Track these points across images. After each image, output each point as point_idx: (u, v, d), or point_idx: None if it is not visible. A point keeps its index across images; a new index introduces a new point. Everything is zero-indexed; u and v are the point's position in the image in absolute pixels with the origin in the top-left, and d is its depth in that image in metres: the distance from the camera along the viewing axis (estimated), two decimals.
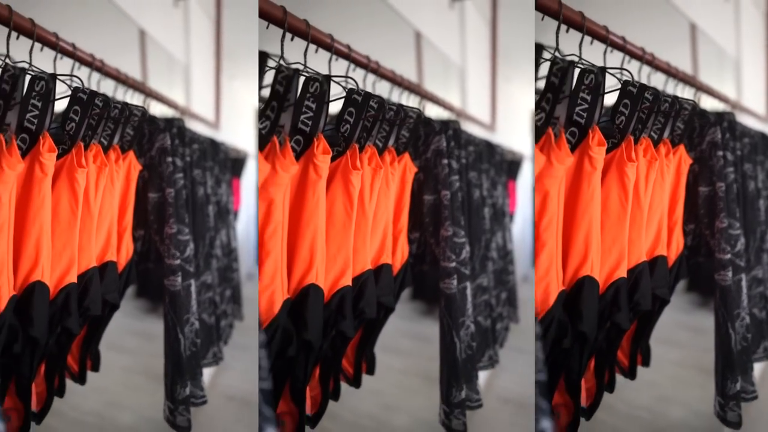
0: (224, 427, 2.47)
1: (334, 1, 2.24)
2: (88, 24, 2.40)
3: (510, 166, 3.03)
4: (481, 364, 1.89)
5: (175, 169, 1.56)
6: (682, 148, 1.47)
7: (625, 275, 1.31)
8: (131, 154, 1.43)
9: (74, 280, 1.20)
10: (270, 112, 1.17)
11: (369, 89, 1.49)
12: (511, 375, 2.61)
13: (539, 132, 1.24)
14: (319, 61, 1.34)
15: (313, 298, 1.18)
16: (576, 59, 1.25)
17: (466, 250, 1.67)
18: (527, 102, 3.98)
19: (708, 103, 2.02)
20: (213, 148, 2.11)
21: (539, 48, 1.16)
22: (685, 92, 1.77)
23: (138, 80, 2.14)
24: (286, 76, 1.13)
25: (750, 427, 1.96)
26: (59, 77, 1.14)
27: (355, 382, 1.50)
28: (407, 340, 2.17)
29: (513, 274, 2.58)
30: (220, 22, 3.21)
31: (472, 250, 1.80)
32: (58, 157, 1.15)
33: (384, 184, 1.37)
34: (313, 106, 1.18)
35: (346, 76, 1.31)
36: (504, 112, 3.44)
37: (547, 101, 1.25)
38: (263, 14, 1.19)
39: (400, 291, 1.54)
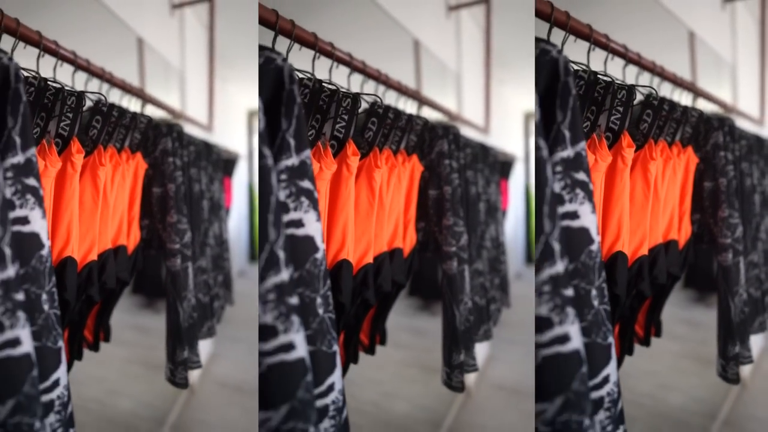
0: (218, 410, 2.81)
1: (339, 11, 2.49)
2: (90, 31, 2.61)
3: (503, 166, 3.29)
4: (477, 336, 2.22)
5: (175, 168, 1.88)
6: (690, 149, 1.80)
7: (647, 253, 1.61)
8: (139, 155, 1.76)
9: (95, 258, 1.53)
10: (315, 122, 1.43)
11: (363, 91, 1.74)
12: (504, 364, 2.94)
13: (587, 136, 1.50)
14: (320, 66, 1.55)
15: (345, 270, 1.44)
16: (604, 76, 1.53)
17: (465, 238, 2.01)
18: (520, 106, 4.23)
19: (704, 106, 2.25)
20: (207, 149, 2.43)
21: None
22: (683, 97, 2.04)
23: (136, 86, 2.38)
24: (328, 95, 1.43)
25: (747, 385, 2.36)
26: (87, 94, 1.47)
27: (370, 350, 1.80)
28: (405, 334, 2.34)
29: (505, 264, 2.88)
30: (214, 29, 3.43)
31: (469, 239, 2.13)
32: (84, 157, 1.48)
33: (397, 181, 1.70)
34: (346, 117, 1.47)
35: (373, 94, 1.62)
36: (497, 115, 3.71)
37: (591, 112, 1.52)
38: (267, 23, 1.33)
39: (409, 271, 1.86)
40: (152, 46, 2.92)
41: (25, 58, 1.44)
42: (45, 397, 0.90)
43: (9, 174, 0.88)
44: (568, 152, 1.06)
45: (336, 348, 1.03)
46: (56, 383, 0.94)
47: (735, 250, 1.95)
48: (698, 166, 1.87)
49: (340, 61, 1.53)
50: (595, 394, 0.99)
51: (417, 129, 1.80)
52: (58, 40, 1.58)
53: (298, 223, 1.00)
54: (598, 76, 1.50)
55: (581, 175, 1.06)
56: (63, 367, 0.96)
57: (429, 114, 2.47)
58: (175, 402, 2.72)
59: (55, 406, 0.92)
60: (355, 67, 1.62)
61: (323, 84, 1.38)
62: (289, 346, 0.89)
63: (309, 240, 0.99)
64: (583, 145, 1.09)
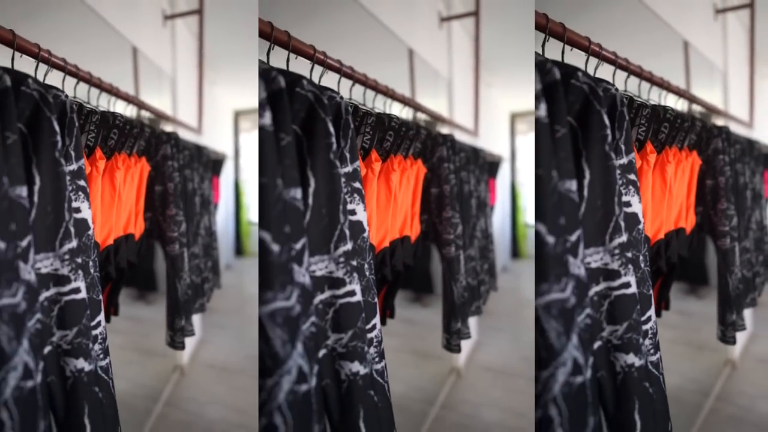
0: (206, 388, 3.32)
1: (338, 21, 2.83)
2: (88, 41, 2.90)
3: (491, 166, 3.78)
4: (470, 311, 2.84)
5: (173, 170, 2.41)
6: (695, 153, 2.33)
7: (663, 237, 2.06)
8: (143, 159, 2.28)
9: (112, 242, 2.04)
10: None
11: (362, 99, 2.12)
12: (490, 349, 3.56)
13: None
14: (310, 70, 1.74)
15: (370, 251, 1.81)
16: (638, 98, 1.95)
17: (460, 228, 2.61)
18: (506, 107, 4.79)
19: (695, 107, 2.78)
20: (198, 152, 2.95)
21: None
22: (678, 103, 2.50)
23: (131, 93, 2.75)
24: (362, 116, 1.89)
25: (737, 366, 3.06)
26: (113, 113, 1.99)
27: (382, 322, 2.21)
28: (399, 323, 2.60)
29: (492, 252, 3.46)
30: (203, 39, 3.79)
31: (463, 229, 2.73)
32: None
33: (407, 181, 2.23)
34: (370, 132, 1.95)
35: (393, 115, 2.13)
36: (485, 116, 4.10)
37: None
38: (265, 35, 1.49)
39: (415, 255, 2.43)
40: (146, 55, 3.30)
41: (26, 65, 1.62)
42: (92, 332, 1.40)
43: (68, 178, 1.38)
44: (623, 160, 1.41)
45: (377, 300, 1.47)
46: (99, 323, 1.44)
47: (732, 236, 2.54)
48: (701, 167, 2.44)
49: (341, 72, 1.81)
50: (642, 327, 1.42)
51: (421, 138, 2.40)
52: (59, 48, 1.85)
53: (353, 212, 1.43)
54: (634, 99, 1.97)
55: (632, 176, 1.45)
56: (102, 313, 1.46)
57: (420, 116, 2.99)
58: (168, 381, 3.20)
59: (98, 339, 1.43)
60: (357, 79, 2.03)
61: (357, 106, 1.87)
62: (353, 293, 1.35)
63: (360, 223, 1.43)
64: (632, 155, 1.44)
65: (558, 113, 1.20)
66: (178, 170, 2.46)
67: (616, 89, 1.38)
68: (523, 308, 4.33)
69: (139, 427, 3.01)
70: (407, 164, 2.24)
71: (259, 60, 1.43)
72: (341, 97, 1.32)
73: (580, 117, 1.24)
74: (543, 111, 1.16)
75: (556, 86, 1.19)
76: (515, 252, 5.17)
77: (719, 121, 3.19)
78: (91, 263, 1.43)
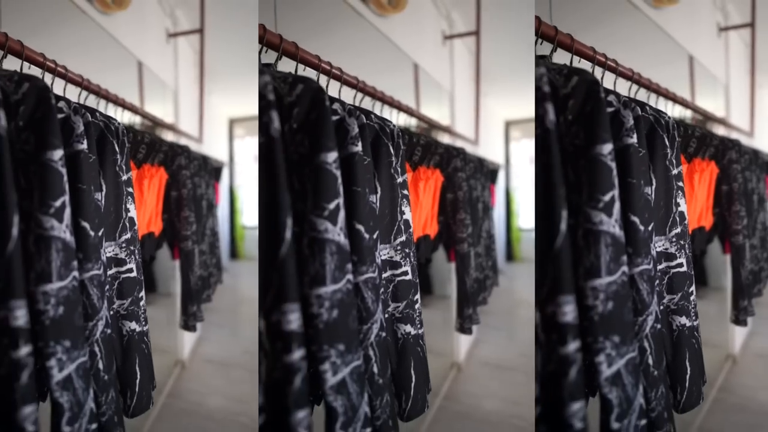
0: (205, 381, 3.86)
1: (351, 39, 3.28)
2: (97, 56, 3.29)
3: (491, 173, 4.45)
4: (478, 300, 3.58)
5: (186, 177, 3.01)
6: (713, 163, 2.97)
7: (690, 233, 2.28)
8: (162, 169, 2.89)
9: (139, 239, 2.64)
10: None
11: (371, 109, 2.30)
12: (488, 345, 4.20)
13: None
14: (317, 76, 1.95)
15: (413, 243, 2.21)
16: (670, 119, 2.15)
17: (470, 229, 3.33)
18: (501, 115, 5.33)
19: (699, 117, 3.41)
20: (204, 162, 3.55)
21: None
22: (683, 112, 3.13)
23: (136, 104, 3.18)
24: (397, 133, 2.00)
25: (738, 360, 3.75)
26: (141, 132, 2.58)
27: None
28: None
29: (494, 251, 4.17)
30: (204, 55, 4.20)
31: (473, 229, 3.45)
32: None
33: (429, 187, 2.90)
34: (404, 147, 2.39)
35: (421, 134, 2.83)
36: (482, 123, 4.63)
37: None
38: (274, 46, 1.69)
39: (433, 250, 3.15)
40: (150, 69, 3.76)
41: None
42: (140, 303, 1.99)
43: (123, 186, 1.97)
44: (675, 171, 1.84)
45: (418, 280, 1.92)
46: (143, 297, 2.03)
47: (743, 234, 3.23)
48: (718, 175, 3.03)
49: (344, 82, 2.07)
50: (690, 298, 1.86)
51: (440, 151, 3.14)
52: (71, 62, 2.14)
53: (404, 212, 1.85)
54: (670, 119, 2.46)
55: (681, 183, 1.86)
56: (144, 290, 2.05)
57: (422, 125, 3.62)
58: (170, 375, 3.72)
59: (142, 309, 2.01)
60: (367, 92, 2.38)
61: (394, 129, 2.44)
62: (406, 273, 1.83)
63: (408, 221, 1.85)
64: (681, 167, 1.86)
65: (640, 139, 1.65)
66: (189, 178, 3.06)
67: (670, 117, 1.88)
68: (518, 308, 4.98)
69: (145, 415, 3.56)
70: (429, 173, 2.92)
71: (343, 103, 1.73)
72: (395, 125, 1.86)
73: (649, 140, 1.75)
74: (635, 139, 1.58)
75: (638, 121, 1.68)
76: (509, 255, 5.66)
77: (721, 130, 3.83)
78: (137, 251, 2.02)
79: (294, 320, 1.25)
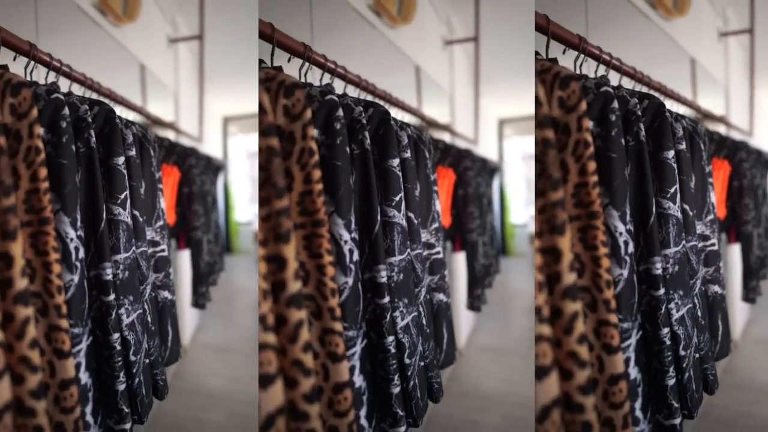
0: (205, 364, 4.45)
1: (356, 45, 3.56)
2: (103, 60, 3.52)
3: (492, 171, 5.08)
4: (485, 283, 4.27)
5: (195, 176, 3.66)
6: (726, 161, 3.57)
7: None
8: (176, 168, 3.54)
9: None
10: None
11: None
12: (486, 333, 4.88)
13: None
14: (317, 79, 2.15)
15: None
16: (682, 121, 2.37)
17: (478, 221, 4.05)
18: (495, 113, 5.87)
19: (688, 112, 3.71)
20: (208, 162, 4.21)
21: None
22: (685, 111, 3.46)
23: (138, 104, 3.50)
24: (430, 140, 2.38)
25: (739, 346, 4.63)
26: (161, 137, 3.23)
27: None
28: None
29: (495, 241, 4.83)
30: (203, 59, 4.61)
31: (480, 221, 4.16)
32: None
33: (444, 184, 3.50)
34: (433, 150, 2.86)
35: (440, 139, 3.40)
36: (482, 128, 5.19)
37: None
38: (289, 49, 1.93)
39: (446, 239, 3.75)
40: (153, 72, 4.12)
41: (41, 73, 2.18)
42: (170, 277, 2.63)
43: (157, 182, 2.59)
44: (707, 169, 2.25)
45: (446, 260, 2.42)
46: (170, 273, 2.67)
47: (752, 224, 3.91)
48: (730, 172, 3.70)
49: (349, 81, 2.30)
50: (720, 271, 2.26)
51: (453, 153, 3.77)
52: (78, 66, 2.34)
53: (435, 204, 2.33)
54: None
55: (710, 179, 2.26)
56: (171, 267, 2.70)
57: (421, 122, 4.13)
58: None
59: (171, 282, 2.65)
60: (372, 92, 2.64)
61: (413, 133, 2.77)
62: (439, 252, 2.30)
63: (438, 212, 2.33)
64: (710, 166, 2.26)
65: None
66: (198, 176, 3.71)
67: (703, 126, 2.26)
68: (512, 299, 5.66)
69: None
70: (444, 172, 3.53)
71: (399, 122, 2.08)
72: (428, 134, 2.40)
73: (690, 144, 2.19)
74: (684, 145, 1.98)
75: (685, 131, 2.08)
76: (504, 249, 6.27)
77: (721, 129, 4.36)
78: (166, 235, 2.66)
79: (384, 276, 1.78)
